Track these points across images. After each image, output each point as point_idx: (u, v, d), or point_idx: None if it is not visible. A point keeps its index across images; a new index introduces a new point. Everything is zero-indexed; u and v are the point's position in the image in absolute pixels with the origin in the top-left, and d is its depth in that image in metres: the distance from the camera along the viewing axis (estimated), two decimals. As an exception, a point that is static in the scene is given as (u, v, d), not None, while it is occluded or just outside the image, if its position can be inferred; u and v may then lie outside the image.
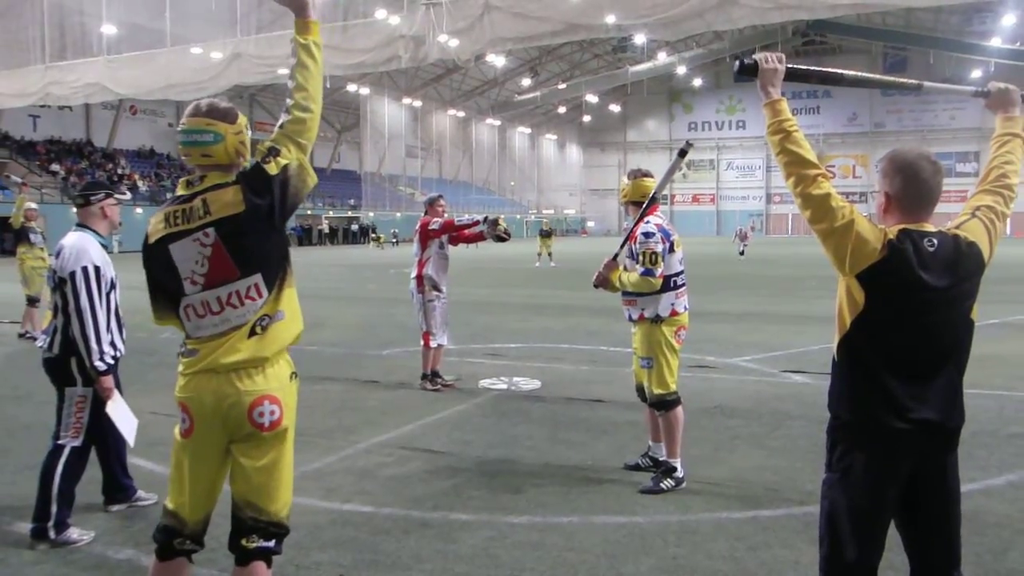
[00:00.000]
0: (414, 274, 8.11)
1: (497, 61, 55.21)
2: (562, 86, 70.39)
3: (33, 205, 11.98)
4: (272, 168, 2.71)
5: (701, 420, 6.63)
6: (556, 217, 72.06)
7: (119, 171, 48.40)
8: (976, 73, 62.98)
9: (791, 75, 2.66)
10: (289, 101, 2.79)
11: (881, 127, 72.90)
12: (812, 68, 2.80)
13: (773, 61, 2.60)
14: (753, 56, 2.62)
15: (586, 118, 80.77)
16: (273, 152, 2.74)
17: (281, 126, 2.78)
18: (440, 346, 8.12)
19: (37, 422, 6.36)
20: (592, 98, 73.22)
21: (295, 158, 2.76)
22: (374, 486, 5.13)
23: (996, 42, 53.90)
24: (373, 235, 54.43)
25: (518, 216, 76.46)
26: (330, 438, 6.21)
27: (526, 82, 69.91)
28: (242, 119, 2.87)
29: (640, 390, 5.29)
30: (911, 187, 2.50)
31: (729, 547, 4.11)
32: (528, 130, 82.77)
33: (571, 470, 5.44)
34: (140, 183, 48.63)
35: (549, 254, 31.06)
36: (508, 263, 28.03)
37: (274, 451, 2.77)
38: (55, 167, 45.11)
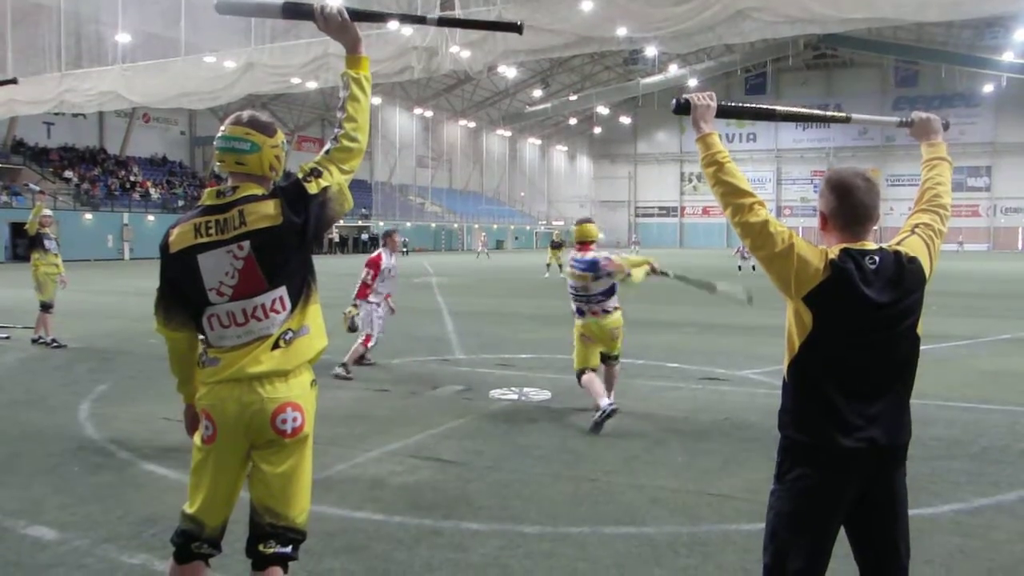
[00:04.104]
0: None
1: (508, 72, 55.52)
2: (573, 98, 70.53)
3: (48, 212, 12.06)
4: (312, 188, 2.76)
5: (711, 432, 6.63)
6: (566, 228, 71.99)
7: (131, 178, 48.78)
8: (988, 87, 62.93)
9: (723, 112, 2.78)
10: (338, 130, 2.85)
11: (892, 141, 72.68)
12: (744, 105, 2.91)
13: (705, 99, 2.73)
14: (686, 95, 2.76)
15: (597, 130, 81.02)
16: (315, 173, 2.79)
17: (327, 152, 2.84)
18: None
19: (50, 426, 6.41)
20: (603, 110, 73.40)
21: (336, 182, 2.81)
22: (385, 494, 5.15)
23: (1008, 56, 53.81)
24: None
25: (528, 227, 76.58)
26: (341, 446, 6.23)
27: (537, 93, 70.15)
28: (280, 135, 2.91)
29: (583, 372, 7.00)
30: (845, 206, 2.55)
31: (739, 559, 4.12)
32: (538, 141, 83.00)
33: (581, 480, 5.45)
34: (152, 190, 48.98)
35: (559, 265, 31.08)
36: (518, 274, 28.04)
37: (294, 457, 2.80)
38: (68, 174, 45.47)
